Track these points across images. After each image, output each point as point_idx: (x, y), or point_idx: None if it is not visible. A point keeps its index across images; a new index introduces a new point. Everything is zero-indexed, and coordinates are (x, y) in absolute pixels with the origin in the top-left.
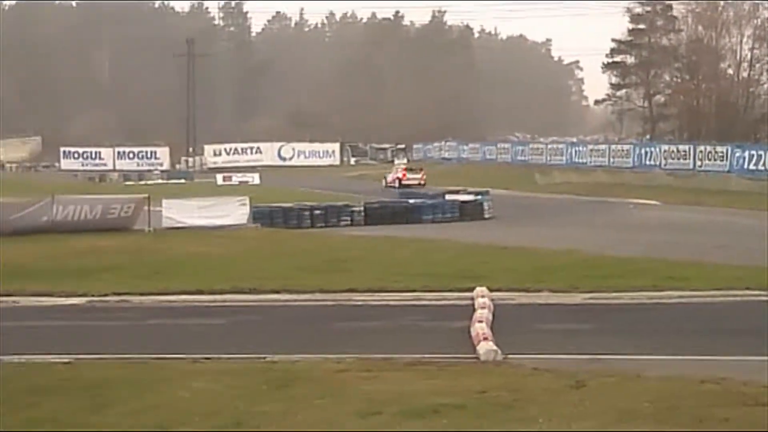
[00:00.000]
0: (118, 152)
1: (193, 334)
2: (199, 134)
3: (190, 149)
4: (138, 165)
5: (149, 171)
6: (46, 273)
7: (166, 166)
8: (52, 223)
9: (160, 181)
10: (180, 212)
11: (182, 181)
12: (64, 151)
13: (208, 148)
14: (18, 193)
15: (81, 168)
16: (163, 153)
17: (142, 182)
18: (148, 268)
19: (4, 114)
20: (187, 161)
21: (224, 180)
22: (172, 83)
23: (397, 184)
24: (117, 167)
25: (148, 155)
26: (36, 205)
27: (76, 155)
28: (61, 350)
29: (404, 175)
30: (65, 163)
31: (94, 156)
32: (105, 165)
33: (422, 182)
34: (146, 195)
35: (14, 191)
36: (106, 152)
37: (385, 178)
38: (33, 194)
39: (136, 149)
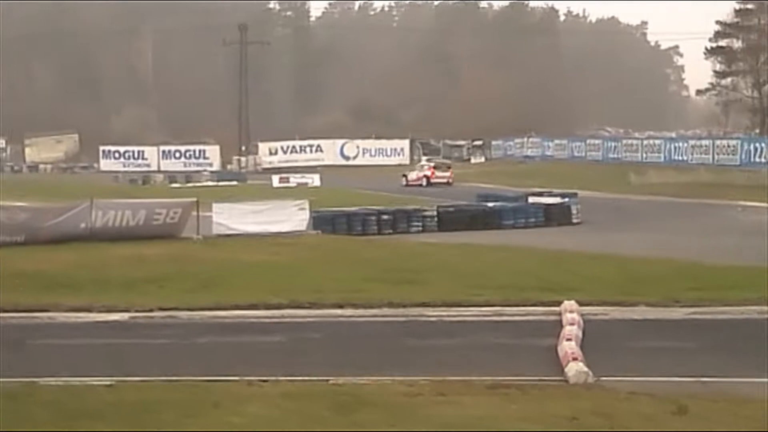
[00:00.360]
0: (163, 151)
1: (247, 353)
2: (252, 131)
3: (243, 148)
4: (185, 165)
5: (197, 172)
6: (85, 285)
7: (216, 167)
8: (90, 231)
9: (209, 183)
10: (232, 218)
11: (234, 183)
12: (104, 151)
13: (263, 147)
14: (53, 197)
15: (122, 169)
16: (213, 152)
17: (190, 184)
18: (197, 280)
19: (38, 109)
20: (239, 161)
21: (281, 181)
22: (222, 74)
23: (424, 183)
24: (162, 168)
25: (197, 154)
26: (73, 210)
27: (116, 155)
28: (102, 371)
29: (433, 173)
30: (105, 164)
31: (136, 156)
32: (149, 165)
33: (450, 181)
34: (194, 199)
35: (49, 195)
36: (150, 151)
37: (405, 176)
38: (70, 198)
39: (182, 148)
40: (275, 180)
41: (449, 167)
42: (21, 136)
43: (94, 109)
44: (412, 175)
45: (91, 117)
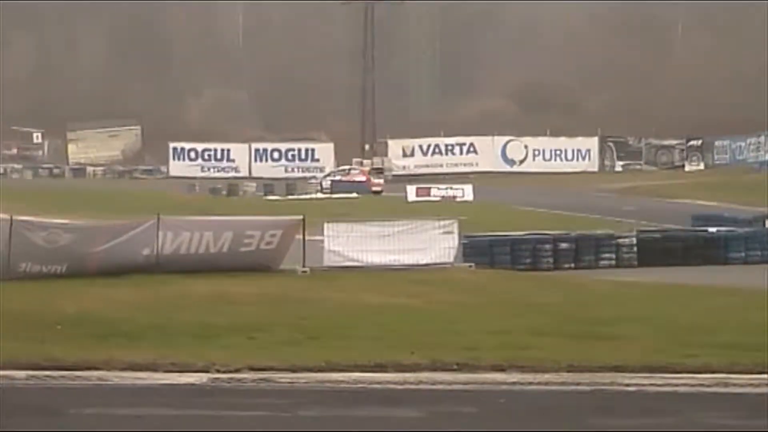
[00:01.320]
0: (257, 150)
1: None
2: (379, 123)
3: (367, 147)
4: (286, 170)
5: (303, 179)
6: (148, 334)
7: (329, 172)
8: (156, 259)
9: (320, 194)
10: (350, 243)
11: (354, 195)
12: (175, 149)
13: (394, 145)
14: (106, 212)
15: (200, 174)
16: (325, 152)
17: (293, 196)
18: (302, 330)
19: (86, 92)
20: (361, 164)
21: (419, 194)
22: (338, 46)
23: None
24: (254, 173)
25: (302, 155)
26: (133, 230)
27: (192, 155)
28: None
29: (368, 179)
30: (176, 167)
31: (219, 156)
32: (236, 170)
33: (381, 189)
34: (299, 216)
35: (100, 209)
36: (238, 150)
37: (321, 181)
38: (128, 214)
39: (283, 146)
40: (411, 192)
41: (381, 171)
42: (63, 128)
43: (162, 93)
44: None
45: (158, 103)
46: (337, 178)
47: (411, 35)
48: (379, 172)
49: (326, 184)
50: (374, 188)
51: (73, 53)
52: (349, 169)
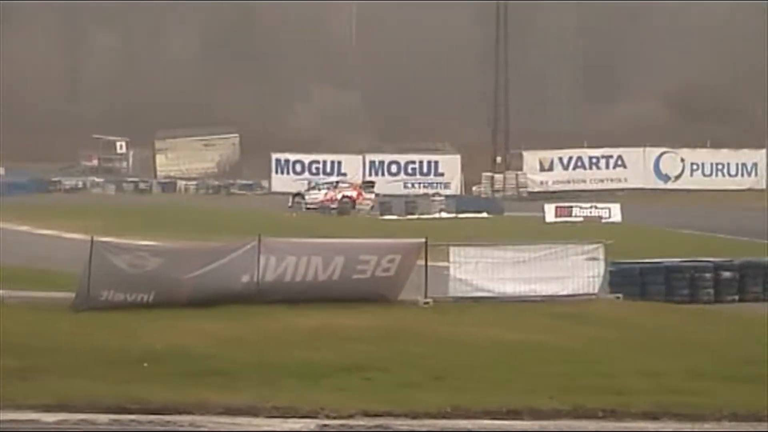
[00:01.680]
0: (372, 163)
1: None
2: (513, 132)
3: (498, 159)
4: (406, 186)
5: (425, 197)
6: (247, 374)
7: (454, 189)
8: (257, 287)
9: (444, 214)
10: (480, 271)
11: (484, 214)
12: (278, 160)
13: (530, 157)
14: (199, 234)
15: (306, 189)
16: (450, 165)
17: (414, 216)
18: (424, 370)
19: (175, 96)
20: (492, 179)
21: (558, 214)
22: (465, 44)
23: (350, 206)
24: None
25: (424, 169)
26: (230, 254)
27: (298, 167)
28: None
29: (359, 194)
30: (279, 181)
31: (329, 169)
32: (348, 185)
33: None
34: (421, 239)
35: (192, 230)
36: (351, 162)
37: (297, 195)
38: (225, 235)
39: (401, 158)
40: (549, 211)
41: (372, 185)
42: (150, 136)
43: (263, 98)
44: (315, 196)
45: (259, 109)
46: (323, 192)
47: (549, 31)
48: (370, 186)
49: (310, 198)
50: (363, 205)
51: (161, 53)
52: (337, 182)
